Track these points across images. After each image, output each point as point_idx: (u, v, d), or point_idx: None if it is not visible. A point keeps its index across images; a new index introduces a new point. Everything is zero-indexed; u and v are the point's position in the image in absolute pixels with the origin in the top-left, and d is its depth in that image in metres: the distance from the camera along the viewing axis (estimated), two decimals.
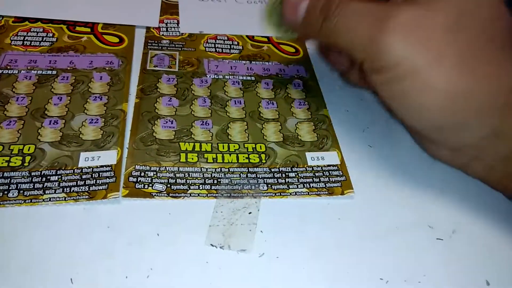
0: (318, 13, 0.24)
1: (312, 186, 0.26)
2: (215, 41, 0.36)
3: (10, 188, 0.23)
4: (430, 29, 0.21)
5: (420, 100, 0.22)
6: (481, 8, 0.22)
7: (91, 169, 0.25)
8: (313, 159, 0.28)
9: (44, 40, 0.33)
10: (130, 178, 0.25)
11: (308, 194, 0.26)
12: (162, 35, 0.36)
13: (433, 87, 0.21)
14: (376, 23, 0.22)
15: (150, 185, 0.25)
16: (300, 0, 0.26)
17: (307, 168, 0.27)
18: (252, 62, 0.35)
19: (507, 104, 0.22)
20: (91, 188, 0.24)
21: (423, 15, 0.21)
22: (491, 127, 0.23)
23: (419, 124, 0.24)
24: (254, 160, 0.27)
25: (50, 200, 0.23)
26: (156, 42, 0.35)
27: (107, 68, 0.31)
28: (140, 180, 0.25)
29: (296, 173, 0.27)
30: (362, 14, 0.23)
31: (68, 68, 0.31)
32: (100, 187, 0.24)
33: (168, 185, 0.25)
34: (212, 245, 0.23)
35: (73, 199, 0.23)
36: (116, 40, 0.34)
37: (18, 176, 0.24)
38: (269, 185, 0.26)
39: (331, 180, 0.27)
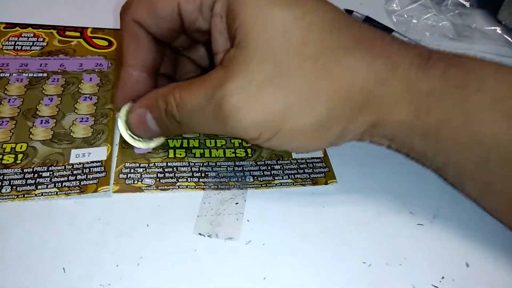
0: (169, 121, 0.24)
1: (297, 177, 0.27)
2: None
3: (3, 184, 0.24)
4: (260, 93, 0.21)
5: (295, 144, 0.23)
6: (289, 35, 0.21)
7: (82, 165, 0.26)
8: (297, 152, 0.29)
9: (34, 44, 0.34)
10: (120, 175, 0.26)
11: (293, 184, 0.27)
12: None
13: (295, 134, 0.22)
14: (214, 114, 0.22)
15: (140, 180, 0.25)
16: (142, 115, 0.25)
17: (291, 160, 0.28)
18: None
19: (371, 98, 0.22)
20: (82, 183, 0.25)
21: (248, 81, 0.21)
22: (367, 124, 0.23)
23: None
24: (241, 154, 0.28)
25: (42, 195, 0.24)
26: None
27: (96, 70, 0.32)
28: (130, 177, 0.26)
29: (281, 166, 0.28)
30: (200, 109, 0.22)
31: (59, 71, 0.32)
32: (91, 182, 0.25)
33: (157, 179, 0.26)
34: (200, 234, 0.24)
35: (65, 193, 0.24)
36: (105, 43, 0.35)
37: (11, 173, 0.25)
38: (255, 177, 0.27)
39: (314, 171, 0.28)
